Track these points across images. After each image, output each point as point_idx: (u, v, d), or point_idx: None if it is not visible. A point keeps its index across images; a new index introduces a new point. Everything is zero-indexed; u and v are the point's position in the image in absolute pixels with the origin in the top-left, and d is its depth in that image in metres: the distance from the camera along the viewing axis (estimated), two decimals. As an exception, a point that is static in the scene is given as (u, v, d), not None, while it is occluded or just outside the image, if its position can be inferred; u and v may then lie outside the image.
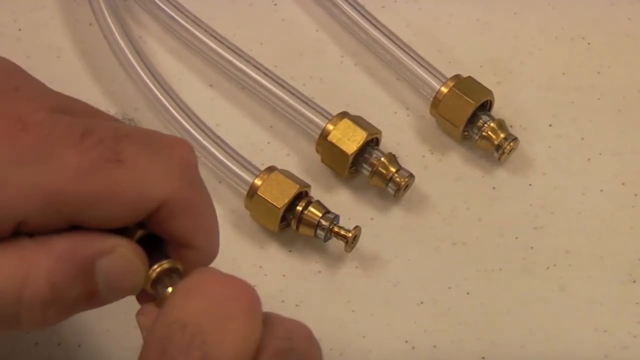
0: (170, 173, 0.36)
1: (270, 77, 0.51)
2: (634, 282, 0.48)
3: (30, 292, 0.35)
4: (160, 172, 0.36)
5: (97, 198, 0.35)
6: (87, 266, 0.36)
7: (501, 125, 0.50)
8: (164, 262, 0.37)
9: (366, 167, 0.50)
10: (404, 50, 0.52)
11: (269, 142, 0.52)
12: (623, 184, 0.51)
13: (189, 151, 0.38)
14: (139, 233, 0.37)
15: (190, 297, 0.35)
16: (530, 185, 0.51)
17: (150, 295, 0.37)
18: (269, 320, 0.36)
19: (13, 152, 0.35)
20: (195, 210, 0.37)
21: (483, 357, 0.47)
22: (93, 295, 0.36)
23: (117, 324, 0.47)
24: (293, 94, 0.51)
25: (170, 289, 0.36)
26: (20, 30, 0.54)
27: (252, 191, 0.48)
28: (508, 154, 0.50)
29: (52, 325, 0.36)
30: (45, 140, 0.35)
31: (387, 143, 0.51)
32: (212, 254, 0.39)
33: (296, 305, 0.48)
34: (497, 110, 0.52)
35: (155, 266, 0.37)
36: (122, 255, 0.36)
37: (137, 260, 0.36)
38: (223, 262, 0.49)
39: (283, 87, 0.51)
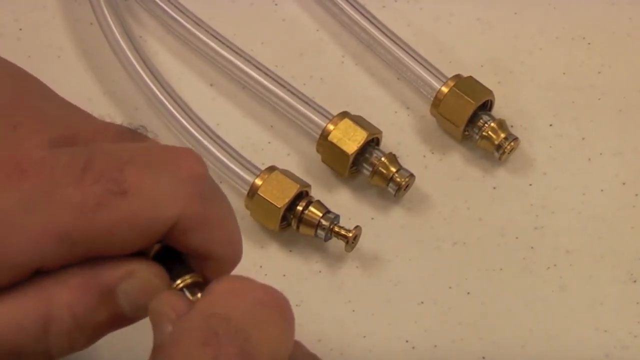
0: (178, 191, 0.36)
1: (271, 77, 0.51)
2: (635, 282, 0.48)
3: (55, 327, 0.35)
4: (168, 193, 0.35)
5: (107, 231, 0.35)
6: (107, 293, 0.36)
7: (502, 125, 0.50)
8: (187, 277, 0.36)
9: (367, 167, 0.50)
10: (405, 50, 0.52)
11: (269, 142, 0.52)
12: (624, 183, 0.51)
13: (196, 162, 0.37)
14: (156, 247, 0.37)
15: (234, 294, 0.34)
16: (530, 185, 0.51)
17: None
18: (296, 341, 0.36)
19: (17, 200, 0.34)
20: (209, 223, 0.36)
21: (483, 357, 0.47)
22: (119, 317, 0.36)
23: None
24: (294, 94, 0.51)
25: (199, 295, 0.36)
26: (20, 29, 0.54)
27: (253, 191, 0.48)
28: (509, 153, 0.50)
29: (87, 347, 0.37)
30: (47, 182, 0.35)
31: (388, 143, 0.51)
32: (234, 262, 0.38)
33: (296, 305, 0.46)
34: (497, 110, 0.51)
35: (179, 281, 0.36)
36: (140, 278, 0.36)
37: (156, 280, 0.36)
38: (223, 262, 0.49)
39: (284, 87, 0.51)
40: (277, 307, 0.35)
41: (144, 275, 0.36)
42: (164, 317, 0.35)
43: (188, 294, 0.36)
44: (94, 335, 0.37)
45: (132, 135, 0.38)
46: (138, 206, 0.35)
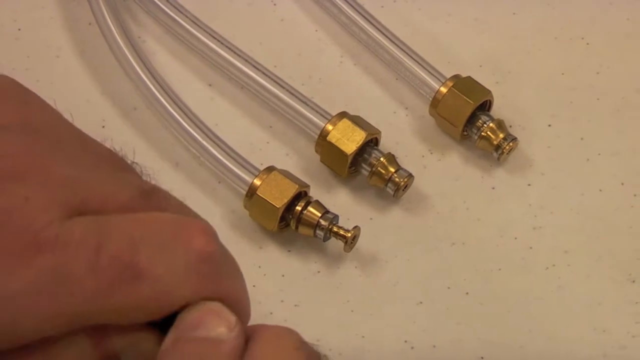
0: (191, 274, 0.36)
1: (270, 77, 0.51)
2: (633, 282, 0.48)
3: None
4: (180, 277, 0.35)
5: (117, 313, 0.35)
6: (112, 357, 0.36)
7: (500, 125, 0.50)
8: None
9: (365, 167, 0.50)
10: (403, 50, 0.52)
11: (268, 142, 0.52)
12: (622, 184, 0.51)
13: (207, 238, 0.36)
14: None
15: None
16: (529, 185, 0.51)
17: None
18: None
19: (30, 281, 0.34)
20: (220, 300, 0.37)
21: (482, 357, 0.47)
22: None
23: None
24: (292, 94, 0.51)
25: None
26: (19, 30, 0.54)
27: (252, 191, 0.48)
28: (507, 154, 0.50)
29: None
30: (60, 262, 0.34)
31: (387, 143, 0.51)
32: (247, 320, 0.39)
33: (295, 305, 0.48)
34: (496, 110, 0.52)
35: None
36: (143, 350, 0.36)
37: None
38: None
39: (282, 87, 0.51)
40: None
41: (147, 346, 0.36)
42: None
43: None
44: None
45: (144, 202, 0.37)
46: (150, 291, 0.35)
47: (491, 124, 0.50)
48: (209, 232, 0.36)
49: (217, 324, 0.35)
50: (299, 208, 0.48)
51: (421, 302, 0.48)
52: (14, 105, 0.37)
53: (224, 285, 0.37)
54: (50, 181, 0.36)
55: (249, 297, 0.38)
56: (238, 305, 0.37)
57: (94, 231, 0.35)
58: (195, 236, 0.36)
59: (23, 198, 0.35)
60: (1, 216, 0.34)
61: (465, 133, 0.51)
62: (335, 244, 0.48)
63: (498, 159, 0.51)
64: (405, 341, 0.47)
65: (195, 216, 0.38)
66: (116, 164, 0.38)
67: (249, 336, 0.36)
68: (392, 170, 0.49)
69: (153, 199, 0.37)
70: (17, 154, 0.36)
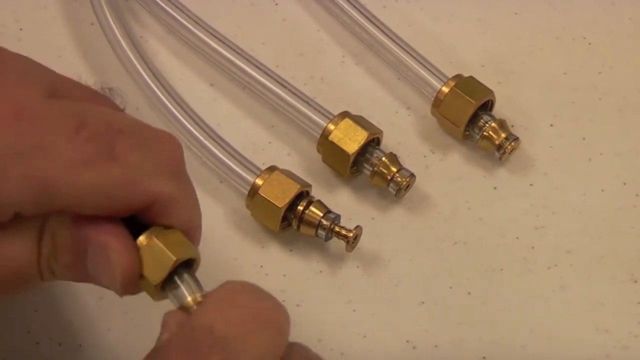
0: (161, 172, 0.37)
1: (272, 77, 0.51)
2: (635, 282, 0.48)
3: (43, 253, 0.38)
4: (151, 171, 0.37)
5: (89, 191, 0.36)
6: (80, 247, 0.37)
7: (502, 125, 0.50)
8: (197, 295, 0.37)
9: (367, 166, 0.50)
10: (405, 50, 0.52)
11: (270, 142, 0.52)
12: (624, 184, 0.51)
13: (177, 147, 0.39)
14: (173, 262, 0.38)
15: (222, 305, 0.36)
16: (531, 185, 0.51)
17: None
18: (294, 346, 0.37)
19: (9, 143, 0.35)
20: (182, 203, 0.38)
21: (484, 357, 0.47)
22: (85, 270, 0.38)
23: (117, 323, 0.47)
24: (294, 94, 0.51)
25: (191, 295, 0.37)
26: (21, 29, 0.54)
27: (253, 191, 0.48)
28: (509, 153, 0.50)
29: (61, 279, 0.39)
30: (41, 130, 0.36)
31: (388, 143, 0.51)
32: (197, 241, 0.40)
33: (297, 305, 0.48)
34: (498, 110, 0.51)
35: (189, 299, 0.37)
36: (107, 253, 0.37)
37: (121, 263, 0.37)
38: (224, 262, 0.49)
39: (284, 86, 0.51)
40: (266, 317, 0.36)
41: (114, 255, 0.37)
42: (165, 327, 0.36)
43: (177, 279, 0.37)
44: (66, 270, 0.38)
45: (103, 98, 0.40)
46: (123, 175, 0.36)
47: (493, 124, 0.50)
48: (177, 142, 0.39)
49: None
50: (300, 208, 0.48)
51: (423, 302, 0.48)
52: None
53: (187, 189, 0.38)
54: (21, 68, 0.38)
55: (197, 201, 0.39)
56: (198, 215, 0.39)
57: (75, 112, 0.37)
58: (167, 143, 0.38)
59: None
60: None
61: (467, 133, 0.51)
62: (337, 243, 0.48)
63: (500, 158, 0.50)
64: (407, 341, 0.47)
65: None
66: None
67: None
68: (394, 170, 0.49)
69: (106, 97, 0.40)
70: None
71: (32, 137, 0.36)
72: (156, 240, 0.38)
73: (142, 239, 0.38)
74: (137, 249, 0.37)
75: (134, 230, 0.38)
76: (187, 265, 0.38)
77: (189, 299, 0.37)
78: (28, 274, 0.38)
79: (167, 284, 0.38)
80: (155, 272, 0.37)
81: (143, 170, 0.37)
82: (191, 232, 0.39)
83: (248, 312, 0.36)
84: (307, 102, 0.51)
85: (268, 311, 0.36)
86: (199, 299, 0.37)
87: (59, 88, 0.38)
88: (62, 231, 0.38)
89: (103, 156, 0.36)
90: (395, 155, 0.50)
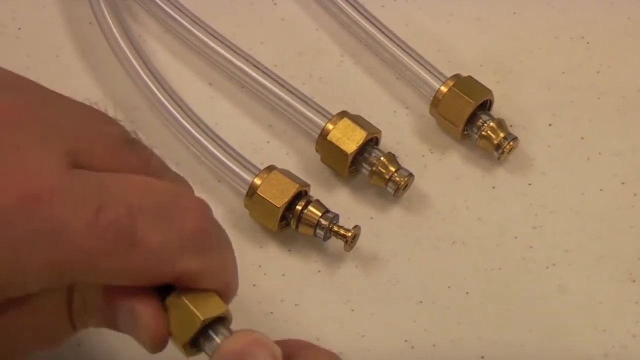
0: (185, 249, 0.37)
1: (270, 77, 0.51)
2: (634, 281, 0.48)
3: (76, 312, 0.39)
4: (174, 250, 0.37)
5: (110, 275, 0.36)
6: (112, 315, 0.38)
7: (501, 124, 0.50)
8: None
9: (366, 166, 0.50)
10: (404, 50, 0.52)
11: (268, 142, 0.52)
12: (623, 183, 0.51)
13: (202, 214, 0.38)
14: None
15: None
16: (530, 184, 0.51)
17: None
18: None
19: (28, 230, 0.35)
20: (211, 274, 0.38)
21: (483, 357, 0.47)
22: (116, 325, 0.38)
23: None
24: (293, 94, 0.51)
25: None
26: (20, 29, 0.54)
27: (252, 191, 0.48)
28: (508, 153, 0.50)
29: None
30: (60, 215, 0.35)
31: (387, 143, 0.51)
32: (231, 297, 0.39)
33: (296, 305, 0.48)
34: (497, 109, 0.52)
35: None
36: (135, 317, 0.37)
37: (149, 329, 0.37)
38: (223, 262, 0.49)
39: (283, 86, 0.51)
40: None
41: (143, 319, 0.37)
42: None
43: (212, 333, 0.37)
44: (99, 324, 0.39)
45: (130, 146, 0.39)
46: (144, 259, 0.36)
47: (492, 124, 0.50)
48: (204, 208, 0.38)
49: (265, 354, 0.36)
50: (299, 208, 0.48)
51: (422, 302, 0.48)
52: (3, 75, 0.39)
53: (215, 260, 0.38)
54: (40, 130, 0.37)
55: (237, 269, 0.39)
56: (227, 278, 0.38)
57: (94, 190, 0.36)
58: (190, 211, 0.37)
59: (14, 146, 0.35)
60: None
61: (466, 133, 0.51)
62: (335, 243, 0.48)
63: (499, 158, 0.51)
64: (406, 341, 0.47)
65: (176, 176, 0.40)
66: (100, 116, 0.39)
67: (289, 356, 0.37)
68: (393, 169, 0.49)
69: (137, 147, 0.39)
70: (5, 107, 0.36)
71: (52, 223, 0.35)
72: (185, 300, 0.37)
73: (171, 298, 0.38)
74: (164, 313, 0.37)
75: (164, 287, 0.38)
76: (220, 320, 0.38)
77: None
78: (63, 331, 0.38)
79: (202, 339, 0.37)
80: (183, 333, 0.37)
81: (166, 251, 0.36)
82: (221, 294, 0.38)
83: None
84: (305, 102, 0.51)
85: None
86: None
87: (79, 150, 0.37)
88: (92, 293, 0.38)
89: (124, 243, 0.36)
90: (394, 155, 0.50)
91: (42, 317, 0.38)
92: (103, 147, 0.38)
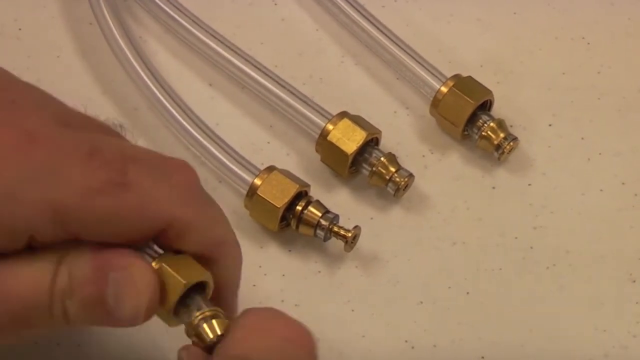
0: (173, 196, 0.38)
1: (270, 77, 0.51)
2: (634, 281, 0.48)
3: (58, 288, 0.37)
4: (164, 196, 0.37)
5: (102, 218, 0.36)
6: (101, 275, 0.37)
7: (501, 125, 0.50)
8: (206, 310, 0.38)
9: (366, 166, 0.50)
10: (404, 50, 0.52)
11: (268, 142, 0.52)
12: (623, 183, 0.51)
13: (191, 172, 0.39)
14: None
15: (255, 334, 0.36)
16: (530, 185, 0.51)
17: None
18: None
19: (23, 168, 0.36)
20: (201, 225, 0.38)
21: (483, 357, 0.47)
22: (103, 304, 0.37)
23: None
24: (293, 94, 0.51)
25: (214, 328, 0.37)
26: (20, 29, 0.54)
27: (252, 191, 0.48)
28: (508, 153, 0.50)
29: (77, 325, 0.38)
30: (55, 156, 0.36)
31: (387, 143, 0.51)
32: (236, 261, 0.40)
33: (296, 305, 0.48)
34: (497, 110, 0.52)
35: (198, 314, 0.37)
36: (132, 275, 0.37)
37: (147, 283, 0.37)
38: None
39: (283, 86, 0.51)
40: (301, 345, 0.36)
41: (136, 272, 0.37)
42: None
43: (207, 328, 0.37)
44: (81, 308, 0.38)
45: (113, 132, 0.40)
46: (136, 202, 0.37)
47: (492, 124, 0.50)
48: (191, 168, 0.39)
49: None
50: (299, 208, 0.48)
51: (422, 302, 0.48)
52: None
53: (206, 212, 0.38)
54: (34, 97, 0.38)
55: (229, 224, 0.40)
56: (217, 229, 0.39)
57: (88, 140, 0.37)
58: (179, 169, 0.39)
59: (9, 101, 0.37)
60: None
61: (465, 133, 0.51)
62: (335, 243, 0.48)
63: (499, 158, 0.51)
64: (406, 341, 0.47)
65: None
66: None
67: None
68: (393, 170, 0.49)
69: (115, 132, 0.40)
70: (5, 81, 0.39)
71: (46, 163, 0.36)
72: (166, 266, 0.38)
73: (152, 265, 0.38)
74: (156, 271, 0.37)
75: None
76: (201, 289, 0.38)
77: (204, 324, 0.37)
78: (39, 308, 0.37)
79: (180, 309, 0.38)
80: (167, 298, 0.38)
81: (156, 195, 0.37)
82: (215, 252, 0.39)
83: (281, 338, 0.36)
84: (305, 102, 0.51)
85: (302, 337, 0.37)
86: (207, 313, 0.37)
87: (70, 119, 0.38)
88: (80, 263, 0.37)
89: (116, 182, 0.36)
90: (394, 155, 0.50)
91: (22, 280, 0.37)
92: (90, 120, 0.40)
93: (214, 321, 0.37)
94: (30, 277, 0.37)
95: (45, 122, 0.37)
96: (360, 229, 0.48)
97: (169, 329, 0.39)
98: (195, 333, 0.37)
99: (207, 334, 0.37)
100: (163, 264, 0.38)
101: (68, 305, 0.38)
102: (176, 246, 0.38)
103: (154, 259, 0.38)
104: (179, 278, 0.37)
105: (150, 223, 0.37)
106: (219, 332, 0.37)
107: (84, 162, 0.36)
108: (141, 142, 0.51)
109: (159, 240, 0.38)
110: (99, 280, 0.37)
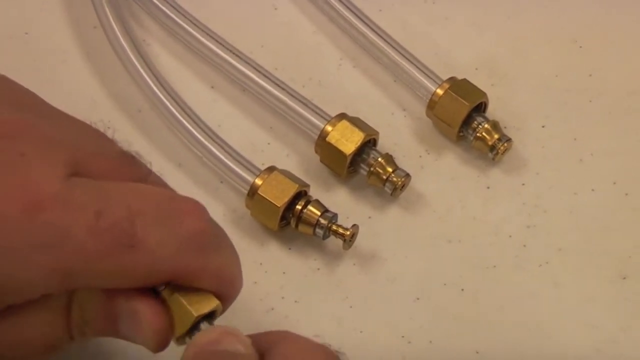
0: (182, 248, 0.37)
1: (271, 79, 0.51)
2: (624, 278, 0.48)
3: (73, 323, 0.39)
4: (172, 250, 0.37)
5: (109, 275, 0.36)
6: (110, 316, 0.38)
7: (495, 126, 0.50)
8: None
9: (364, 167, 0.49)
10: (401, 53, 0.52)
11: (269, 143, 0.52)
12: (614, 183, 0.51)
13: (199, 217, 0.38)
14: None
15: None
16: (523, 184, 0.51)
17: None
18: None
19: (31, 236, 0.35)
20: (208, 274, 0.38)
21: (477, 352, 0.47)
22: (117, 334, 0.38)
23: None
24: (293, 96, 0.51)
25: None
26: (27, 33, 0.54)
27: (253, 191, 0.48)
28: (502, 154, 0.50)
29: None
30: (62, 220, 0.35)
31: (385, 144, 0.51)
32: (234, 296, 0.40)
33: (295, 302, 0.48)
34: (491, 111, 0.51)
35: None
36: (139, 319, 0.37)
37: (154, 323, 0.37)
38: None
39: (283, 89, 0.51)
40: None
41: (144, 317, 0.38)
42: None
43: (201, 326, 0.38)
44: (98, 333, 0.39)
45: (129, 160, 0.39)
46: (143, 259, 0.37)
47: (486, 125, 0.50)
48: (200, 210, 0.38)
49: (235, 342, 0.36)
50: (299, 207, 0.48)
51: (418, 299, 0.48)
52: (3, 92, 0.39)
53: (214, 260, 0.38)
54: (44, 140, 0.37)
55: (241, 270, 0.39)
56: (229, 277, 0.38)
57: (94, 196, 0.36)
58: (187, 213, 0.38)
59: (18, 154, 0.36)
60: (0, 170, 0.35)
61: (461, 134, 0.51)
62: (334, 242, 0.48)
63: (493, 159, 0.50)
64: (403, 336, 0.47)
65: (172, 190, 0.40)
66: (99, 134, 0.39)
67: (268, 345, 0.37)
68: (390, 170, 0.49)
69: (136, 161, 0.39)
70: (9, 120, 0.37)
71: (53, 229, 0.35)
72: (177, 296, 0.38)
73: (164, 295, 0.38)
74: (165, 310, 0.38)
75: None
76: (212, 313, 0.38)
77: None
78: (59, 341, 0.38)
79: (191, 332, 0.38)
80: (177, 327, 0.38)
81: (164, 251, 0.37)
82: (222, 292, 0.39)
83: None
84: (305, 104, 0.50)
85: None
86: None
87: (80, 162, 0.37)
88: (90, 303, 0.38)
89: (123, 244, 0.36)
90: (391, 156, 0.50)
91: (39, 327, 0.38)
92: (102, 159, 0.38)
93: None
94: (46, 322, 0.38)
95: (52, 178, 0.36)
96: (358, 227, 0.48)
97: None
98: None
99: None
100: (176, 294, 0.38)
101: (86, 330, 0.39)
102: (182, 286, 0.38)
103: (165, 286, 0.38)
104: (190, 310, 0.38)
105: (158, 277, 0.37)
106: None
107: (91, 226, 0.36)
108: (144, 143, 0.51)
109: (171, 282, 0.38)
110: (108, 319, 0.38)
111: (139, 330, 0.38)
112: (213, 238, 0.39)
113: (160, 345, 0.38)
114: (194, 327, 0.38)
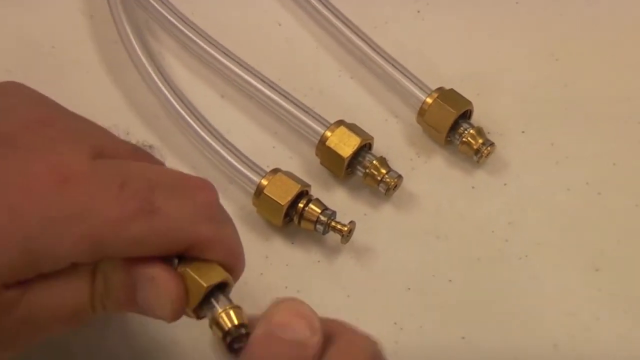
0: (196, 217, 0.39)
1: (275, 89, 0.52)
2: (597, 270, 0.50)
3: (97, 292, 0.40)
4: (188, 217, 0.39)
5: (135, 241, 0.38)
6: (131, 283, 0.40)
7: (480, 132, 0.52)
8: (228, 306, 0.39)
9: (360, 169, 0.51)
10: (394, 66, 0.53)
11: (274, 147, 0.53)
12: (587, 183, 0.52)
13: (211, 192, 0.40)
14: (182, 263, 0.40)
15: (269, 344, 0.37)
16: (505, 185, 0.52)
17: None
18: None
19: (63, 208, 0.37)
20: (219, 242, 0.40)
21: (463, 337, 0.48)
22: (135, 305, 0.40)
23: (117, 322, 0.48)
24: (295, 104, 0.52)
25: (232, 318, 0.39)
26: (53, 47, 0.55)
27: (259, 190, 0.49)
28: (486, 157, 0.52)
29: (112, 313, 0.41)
30: (89, 193, 0.37)
31: (379, 147, 0.52)
32: (240, 269, 0.41)
33: (298, 291, 0.49)
34: (476, 118, 0.53)
35: (220, 310, 0.39)
36: (158, 285, 0.39)
37: (171, 291, 0.39)
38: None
39: (286, 97, 0.52)
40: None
41: (161, 283, 0.39)
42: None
43: (225, 318, 0.39)
44: (117, 304, 0.41)
45: (145, 152, 0.42)
46: (163, 225, 0.39)
47: (471, 131, 0.51)
48: (210, 186, 0.40)
49: (305, 328, 0.37)
50: (301, 205, 0.49)
51: (409, 289, 0.49)
52: (21, 95, 0.41)
53: (224, 230, 0.40)
54: (71, 130, 0.39)
55: (239, 238, 0.41)
56: (231, 245, 0.40)
57: (117, 171, 0.38)
58: (199, 188, 0.40)
59: (49, 139, 0.38)
60: (33, 152, 0.37)
61: (448, 139, 0.52)
62: (333, 237, 0.49)
63: (477, 161, 0.52)
64: (395, 323, 0.48)
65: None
66: (112, 133, 0.42)
67: (329, 334, 0.38)
68: (384, 171, 0.50)
69: (149, 154, 0.41)
70: (39, 112, 0.39)
71: (82, 200, 0.37)
72: (189, 271, 0.39)
73: (177, 271, 0.39)
74: (181, 278, 0.39)
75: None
76: (223, 286, 0.39)
77: (224, 318, 0.39)
78: (83, 311, 0.39)
79: (204, 306, 0.39)
80: (190, 299, 0.39)
81: (181, 218, 0.38)
82: (230, 263, 0.40)
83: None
84: (306, 112, 0.52)
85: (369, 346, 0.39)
86: (234, 317, 0.39)
87: (103, 146, 0.39)
88: (113, 272, 0.39)
89: (145, 210, 0.38)
90: (384, 159, 0.51)
91: (65, 296, 0.39)
92: (122, 147, 0.41)
93: (231, 312, 0.39)
94: (73, 290, 0.39)
95: (80, 157, 0.38)
96: (355, 224, 0.49)
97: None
98: (215, 323, 0.39)
99: (225, 322, 0.39)
100: (187, 269, 0.39)
101: (106, 302, 0.40)
102: (197, 256, 0.40)
103: (179, 262, 0.39)
104: (200, 281, 0.39)
105: (177, 243, 0.39)
106: (236, 322, 0.39)
107: (116, 195, 0.37)
108: (161, 147, 0.52)
109: (184, 253, 0.40)
110: (129, 287, 0.39)
111: (156, 296, 0.38)
112: (222, 211, 0.41)
113: (175, 313, 0.39)
114: (206, 299, 0.39)
